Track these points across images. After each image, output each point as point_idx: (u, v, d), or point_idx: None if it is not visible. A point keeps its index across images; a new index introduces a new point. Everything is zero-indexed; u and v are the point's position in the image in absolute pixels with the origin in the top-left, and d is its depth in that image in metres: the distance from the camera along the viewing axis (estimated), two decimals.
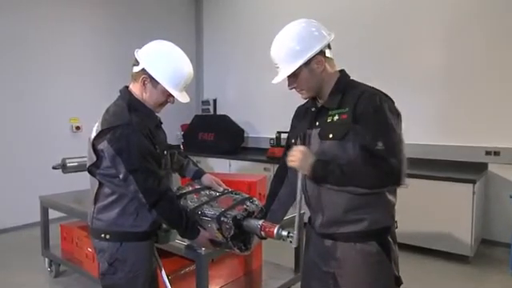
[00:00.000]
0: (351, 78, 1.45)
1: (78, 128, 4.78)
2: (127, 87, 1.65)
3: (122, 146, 1.48)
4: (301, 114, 1.54)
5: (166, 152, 1.70)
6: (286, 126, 1.63)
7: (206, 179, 1.88)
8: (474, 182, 3.28)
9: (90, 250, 2.71)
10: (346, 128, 1.31)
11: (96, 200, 1.62)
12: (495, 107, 3.72)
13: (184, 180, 2.00)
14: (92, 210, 1.64)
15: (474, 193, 3.27)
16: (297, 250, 2.57)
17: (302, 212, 1.40)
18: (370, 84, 1.41)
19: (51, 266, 3.17)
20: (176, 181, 2.15)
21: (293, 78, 1.39)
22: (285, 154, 1.62)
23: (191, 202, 1.72)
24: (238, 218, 1.55)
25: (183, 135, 5.87)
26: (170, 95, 1.61)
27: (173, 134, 5.65)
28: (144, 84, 1.59)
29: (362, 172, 1.28)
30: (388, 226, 1.39)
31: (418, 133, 4.01)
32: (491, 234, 3.79)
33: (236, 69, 5.85)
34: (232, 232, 1.54)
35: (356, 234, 1.35)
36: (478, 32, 3.78)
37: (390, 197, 1.38)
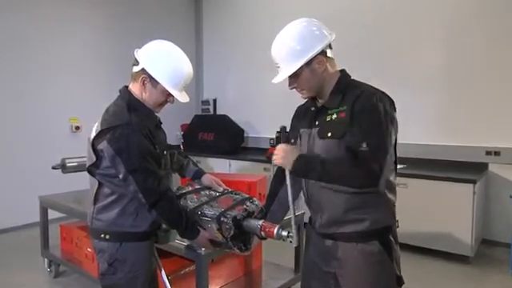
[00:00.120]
0: (352, 77, 1.44)
1: (77, 128, 4.78)
2: (127, 87, 1.65)
3: (122, 146, 1.48)
4: (301, 114, 1.54)
5: (165, 152, 1.70)
6: (287, 125, 1.62)
7: (206, 179, 1.88)
8: (474, 182, 3.28)
9: (89, 250, 2.71)
10: (344, 127, 1.31)
11: (96, 200, 1.62)
12: (495, 107, 3.71)
13: (184, 180, 2.00)
14: (92, 210, 1.64)
15: (474, 193, 3.27)
16: (297, 250, 2.57)
17: (302, 212, 1.40)
18: (370, 84, 1.41)
19: (51, 267, 3.17)
20: (176, 181, 2.14)
21: (294, 77, 1.38)
22: None
23: (191, 202, 1.72)
24: (238, 218, 1.55)
25: (183, 135, 5.87)
26: (170, 95, 1.61)
27: (172, 134, 5.64)
28: (144, 84, 1.58)
29: (342, 171, 1.29)
30: (389, 225, 1.39)
31: (418, 133, 4.01)
32: (491, 234, 3.79)
33: (236, 69, 5.84)
34: (232, 232, 1.54)
35: (357, 234, 1.35)
36: (478, 32, 3.78)
37: (390, 195, 1.38)
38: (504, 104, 3.67)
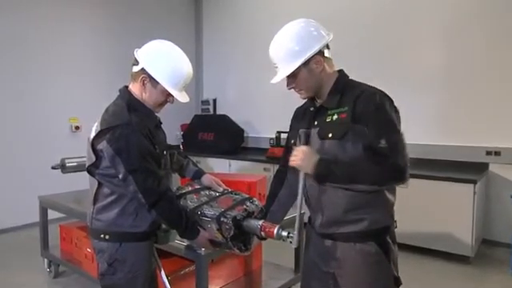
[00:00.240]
0: (351, 77, 1.44)
1: (77, 128, 4.78)
2: (126, 87, 1.65)
3: (122, 146, 1.48)
4: (300, 115, 1.54)
5: (165, 152, 1.70)
6: (286, 125, 1.63)
7: (206, 179, 1.88)
8: (474, 182, 3.28)
9: (89, 250, 2.70)
10: (345, 127, 1.31)
11: (95, 200, 1.62)
12: (496, 107, 3.71)
13: (184, 180, 2.00)
14: (91, 211, 1.63)
15: (474, 193, 3.27)
16: (297, 250, 2.57)
17: (302, 212, 1.40)
18: (370, 84, 1.41)
19: (50, 267, 3.16)
20: (176, 181, 2.14)
21: (292, 77, 1.38)
22: (284, 155, 1.62)
23: (191, 202, 1.72)
24: (238, 218, 1.55)
25: (183, 135, 5.86)
26: (170, 95, 1.60)
27: (172, 134, 5.64)
28: (143, 84, 1.58)
29: (366, 170, 1.28)
30: (387, 225, 1.39)
31: (418, 133, 4.00)
32: (492, 235, 3.79)
33: (236, 68, 5.84)
34: (232, 232, 1.53)
35: (356, 234, 1.35)
36: (478, 32, 3.77)
37: (390, 196, 1.38)
38: (504, 104, 3.67)
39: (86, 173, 1.64)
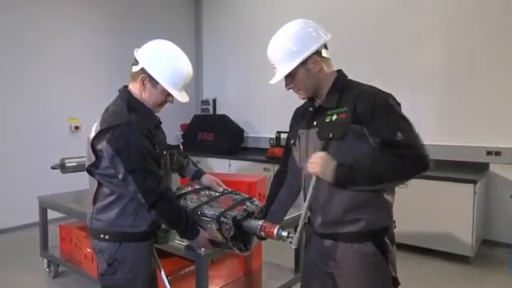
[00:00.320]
0: (350, 77, 1.44)
1: (76, 128, 4.77)
2: (126, 87, 1.64)
3: (121, 146, 1.47)
4: (299, 116, 1.54)
5: (165, 152, 1.69)
6: (286, 125, 1.63)
7: (206, 179, 1.87)
8: (474, 182, 3.28)
9: (89, 250, 2.70)
10: (345, 128, 1.30)
11: (95, 200, 1.61)
12: (496, 107, 3.71)
13: (184, 180, 1.99)
14: (91, 211, 1.63)
15: (475, 193, 3.27)
16: (297, 250, 2.57)
17: (307, 215, 1.39)
18: (370, 84, 1.41)
19: (50, 267, 3.16)
20: (176, 181, 2.13)
21: (290, 78, 1.38)
22: (284, 155, 1.62)
23: (191, 202, 1.71)
24: (238, 218, 1.55)
25: (183, 135, 5.86)
26: (170, 95, 1.60)
27: (172, 134, 5.64)
28: (143, 83, 1.58)
29: (390, 166, 1.27)
30: (385, 226, 1.39)
31: (418, 132, 3.99)
32: (492, 235, 3.78)
33: (236, 68, 5.84)
34: (232, 232, 1.53)
35: (353, 235, 1.35)
36: (478, 32, 3.77)
37: (388, 197, 1.38)
38: (505, 104, 3.66)
39: (85, 173, 1.64)
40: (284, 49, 1.36)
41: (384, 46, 4.31)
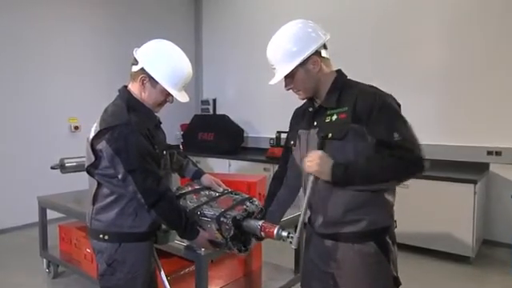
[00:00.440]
0: (350, 77, 1.44)
1: (76, 128, 4.77)
2: (126, 87, 1.64)
3: (121, 146, 1.47)
4: (299, 116, 1.54)
5: (165, 152, 1.69)
6: (286, 125, 1.62)
7: (206, 179, 1.87)
8: (475, 182, 3.27)
9: (88, 250, 2.69)
10: (345, 128, 1.30)
11: (95, 200, 1.61)
12: (496, 107, 3.71)
13: (183, 180, 1.99)
14: (90, 211, 1.63)
15: (475, 193, 3.26)
16: (297, 250, 2.56)
17: (307, 215, 1.39)
18: (370, 84, 1.40)
19: (49, 267, 3.15)
20: (175, 181, 2.13)
21: (289, 78, 1.38)
22: (284, 155, 1.62)
23: (191, 203, 1.71)
24: (238, 218, 1.54)
25: (182, 135, 5.86)
26: (169, 94, 1.60)
27: (172, 134, 5.63)
28: (143, 83, 1.57)
29: (386, 166, 1.27)
30: (386, 226, 1.38)
31: (418, 132, 3.94)
32: (493, 235, 3.78)
33: (235, 68, 5.83)
34: (232, 232, 1.53)
35: (354, 235, 1.35)
36: (478, 32, 3.77)
37: (389, 197, 1.38)
38: (505, 104, 3.66)
39: (85, 173, 1.63)
40: (283, 49, 1.36)
41: (384, 46, 4.31)
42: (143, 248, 1.63)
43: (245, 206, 1.60)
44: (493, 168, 3.75)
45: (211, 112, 6.06)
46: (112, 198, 1.57)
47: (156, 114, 1.68)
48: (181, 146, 5.43)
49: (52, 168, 3.02)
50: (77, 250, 2.94)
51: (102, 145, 1.50)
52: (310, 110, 1.44)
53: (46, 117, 4.56)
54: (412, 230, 3.38)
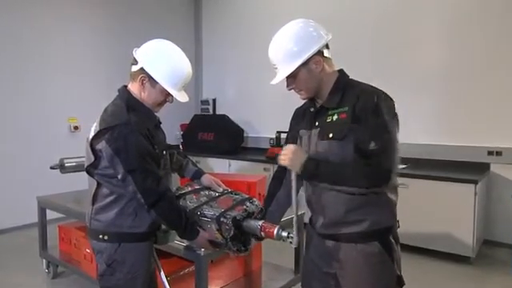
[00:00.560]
0: (350, 77, 1.44)
1: (76, 128, 4.77)
2: (125, 87, 1.64)
3: (120, 146, 1.47)
4: (299, 116, 1.54)
5: (165, 152, 1.69)
6: (286, 125, 1.62)
7: (206, 179, 1.87)
8: (475, 182, 3.27)
9: (88, 250, 2.69)
10: (345, 128, 1.30)
11: (94, 200, 1.61)
12: (497, 107, 3.70)
13: (183, 180, 1.99)
14: (90, 211, 1.62)
15: (475, 193, 3.26)
16: (297, 250, 2.55)
17: (302, 212, 1.39)
18: (370, 84, 1.40)
19: (49, 267, 3.15)
20: (175, 181, 2.13)
21: (291, 78, 1.38)
22: None
23: (190, 203, 1.71)
24: (238, 218, 1.54)
25: (182, 135, 5.85)
26: (169, 94, 1.59)
27: (172, 134, 5.63)
28: (142, 83, 1.57)
29: (353, 171, 1.29)
30: (390, 225, 1.38)
31: (419, 133, 3.99)
32: (493, 235, 3.77)
33: (235, 68, 5.83)
34: (231, 233, 1.53)
35: (357, 235, 1.34)
36: (478, 32, 3.76)
37: (392, 196, 1.37)
38: (506, 104, 3.66)
39: (84, 173, 1.63)
40: (284, 49, 1.36)
41: (384, 46, 4.30)
42: (143, 248, 1.62)
43: (245, 206, 1.60)
44: (493, 168, 3.75)
45: (211, 112, 6.06)
46: (111, 198, 1.56)
47: (156, 113, 1.67)
48: (181, 146, 5.43)
49: (51, 168, 3.02)
50: (76, 250, 2.93)
51: (101, 145, 1.50)
52: (312, 110, 1.44)
53: (46, 117, 4.55)
54: (412, 230, 3.37)
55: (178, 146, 5.32)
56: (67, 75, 4.72)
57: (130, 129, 1.48)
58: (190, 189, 1.83)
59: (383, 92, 1.35)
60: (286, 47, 1.35)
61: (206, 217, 1.61)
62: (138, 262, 1.60)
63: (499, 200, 3.72)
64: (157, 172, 1.54)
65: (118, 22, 5.23)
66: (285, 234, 1.41)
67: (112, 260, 1.57)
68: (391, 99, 1.35)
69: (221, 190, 1.83)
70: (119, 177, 1.49)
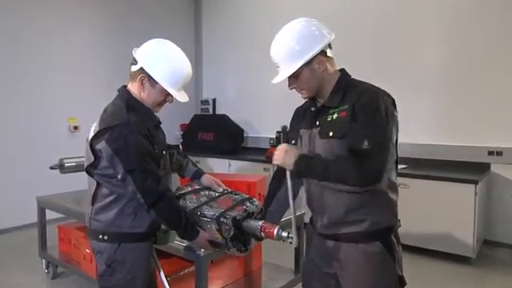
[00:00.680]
0: (352, 77, 1.43)
1: (75, 128, 4.76)
2: (125, 86, 1.63)
3: (120, 146, 1.46)
4: (300, 115, 1.53)
5: (164, 152, 1.68)
6: (286, 125, 1.61)
7: (206, 179, 1.86)
8: (475, 182, 3.26)
9: (87, 251, 2.68)
10: (345, 126, 1.30)
11: (94, 201, 1.60)
12: (497, 107, 3.70)
13: (183, 180, 1.98)
14: (90, 211, 1.62)
15: (476, 193, 3.25)
16: (297, 250, 2.55)
17: (302, 212, 1.39)
18: (370, 83, 1.40)
19: (49, 268, 3.14)
20: (175, 181, 2.12)
21: (293, 77, 1.37)
22: None
23: (190, 203, 1.71)
24: (238, 218, 1.54)
25: (182, 135, 5.85)
26: (169, 94, 1.59)
27: (172, 134, 5.63)
28: (142, 83, 1.57)
29: (344, 170, 1.28)
30: (391, 225, 1.38)
31: (419, 133, 3.99)
32: (494, 235, 3.77)
33: (235, 68, 5.83)
34: (231, 233, 1.52)
35: (358, 235, 1.34)
36: (478, 32, 3.76)
37: (392, 195, 1.37)
38: (506, 104, 3.65)
39: (84, 173, 1.63)
40: (286, 48, 1.35)
41: (384, 46, 4.30)
42: (143, 248, 1.62)
43: (245, 207, 1.59)
44: (494, 168, 3.74)
45: (211, 112, 6.05)
46: (111, 198, 1.56)
47: (156, 113, 1.67)
48: (180, 146, 5.42)
49: (51, 168, 3.02)
50: (76, 251, 2.93)
51: (101, 145, 1.50)
52: (312, 109, 1.44)
53: (46, 117, 4.55)
54: (412, 230, 3.37)
55: (177, 145, 5.31)
56: (67, 75, 4.72)
57: (130, 129, 1.48)
58: (189, 189, 1.83)
59: (385, 92, 1.35)
60: (288, 46, 1.35)
61: (205, 217, 1.61)
62: (138, 262, 1.60)
63: (499, 200, 3.72)
64: (157, 172, 1.54)
65: (118, 22, 5.23)
66: (285, 234, 1.41)
67: (112, 260, 1.56)
68: (392, 99, 1.35)
69: (221, 190, 1.83)
70: (119, 177, 1.48)
